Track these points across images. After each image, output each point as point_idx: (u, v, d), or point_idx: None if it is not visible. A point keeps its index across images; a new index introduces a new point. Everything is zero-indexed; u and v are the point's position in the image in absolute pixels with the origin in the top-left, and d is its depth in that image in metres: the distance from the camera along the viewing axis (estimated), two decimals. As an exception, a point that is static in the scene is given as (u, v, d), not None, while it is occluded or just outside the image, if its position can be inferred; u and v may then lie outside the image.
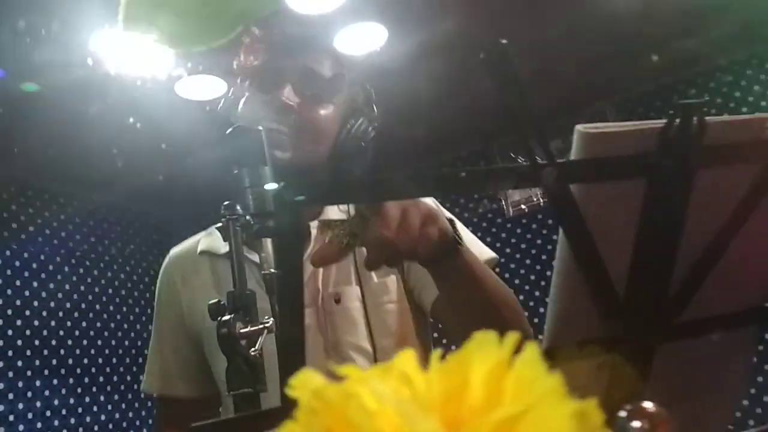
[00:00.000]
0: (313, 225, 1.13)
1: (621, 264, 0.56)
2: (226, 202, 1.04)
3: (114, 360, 3.24)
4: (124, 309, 3.37)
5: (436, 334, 1.22)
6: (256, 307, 1.00)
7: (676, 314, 0.59)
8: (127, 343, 3.32)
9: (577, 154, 0.52)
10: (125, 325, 3.34)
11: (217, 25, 0.36)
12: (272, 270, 0.97)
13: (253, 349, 0.95)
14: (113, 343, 3.26)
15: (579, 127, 0.51)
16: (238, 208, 1.05)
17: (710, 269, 0.59)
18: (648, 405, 0.30)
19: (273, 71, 1.05)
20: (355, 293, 1.08)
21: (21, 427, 2.80)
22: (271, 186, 1.16)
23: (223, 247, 1.14)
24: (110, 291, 3.32)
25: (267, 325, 0.95)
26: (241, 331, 0.94)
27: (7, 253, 2.94)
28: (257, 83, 1.06)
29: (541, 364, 0.22)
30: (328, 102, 1.08)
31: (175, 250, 1.19)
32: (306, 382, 0.21)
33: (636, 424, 0.29)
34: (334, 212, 1.15)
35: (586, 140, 0.51)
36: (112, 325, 3.28)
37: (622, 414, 0.29)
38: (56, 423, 2.92)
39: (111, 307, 3.30)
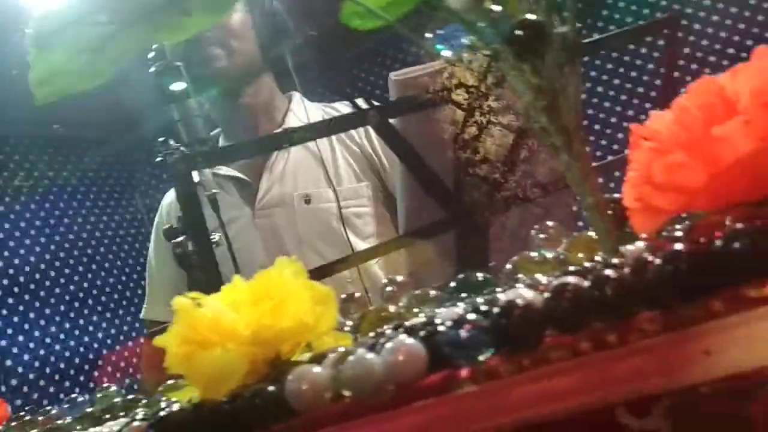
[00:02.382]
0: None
1: (448, 165, 0.76)
2: (160, 138, 1.21)
3: (98, 282, 3.47)
4: (98, 235, 3.56)
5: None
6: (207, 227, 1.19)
7: (497, 194, 0.80)
8: (107, 265, 3.54)
9: (392, 96, 0.70)
10: (102, 249, 3.55)
11: (99, 73, 0.53)
12: (214, 191, 1.15)
13: (204, 262, 1.15)
14: (94, 267, 3.48)
15: (391, 75, 0.70)
16: (172, 141, 1.21)
17: (517, 162, 0.80)
18: (399, 277, 0.51)
19: None
20: (325, 195, 1.22)
21: (26, 357, 3.06)
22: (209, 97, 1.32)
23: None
24: (80, 221, 3.49)
25: (215, 240, 1.15)
26: (191, 249, 1.15)
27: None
28: None
29: (300, 274, 0.42)
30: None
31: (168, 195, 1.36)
32: (178, 303, 0.42)
33: (388, 288, 0.50)
34: (296, 123, 1.28)
35: (396, 85, 0.70)
36: (89, 251, 3.49)
37: (385, 281, 0.51)
38: (57, 347, 3.19)
39: (84, 235, 3.49)
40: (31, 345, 3.07)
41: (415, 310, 0.48)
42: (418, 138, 0.72)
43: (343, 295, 0.51)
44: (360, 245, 1.20)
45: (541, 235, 0.46)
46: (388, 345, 0.33)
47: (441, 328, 0.32)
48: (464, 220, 0.79)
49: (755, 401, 0.23)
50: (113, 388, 0.61)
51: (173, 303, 0.42)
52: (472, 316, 0.32)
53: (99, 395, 0.60)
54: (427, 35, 0.38)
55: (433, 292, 0.49)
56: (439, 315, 0.36)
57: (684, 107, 0.33)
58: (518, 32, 0.35)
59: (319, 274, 0.60)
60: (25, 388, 3.00)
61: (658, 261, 0.28)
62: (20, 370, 3.01)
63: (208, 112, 1.37)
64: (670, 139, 0.32)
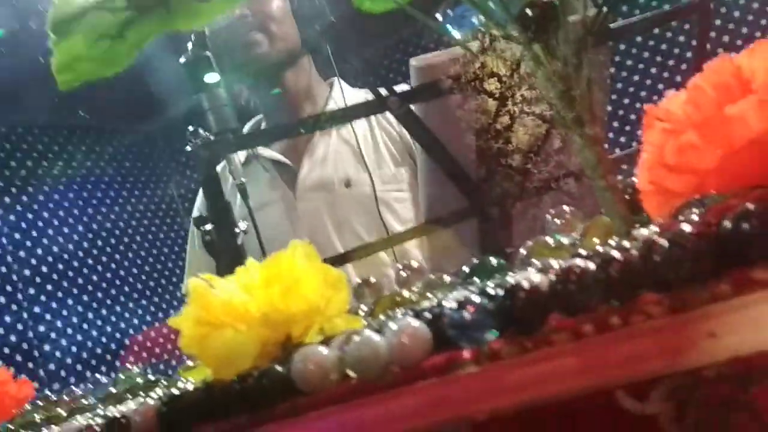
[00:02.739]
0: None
1: (470, 150, 0.76)
2: (189, 128, 1.22)
3: (134, 269, 3.53)
4: (134, 224, 3.63)
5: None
6: (232, 215, 1.20)
7: (522, 181, 0.79)
8: (142, 252, 3.61)
9: (414, 82, 0.70)
10: (137, 237, 3.62)
11: (118, 59, 0.54)
12: (242, 179, 1.16)
13: (233, 249, 1.16)
14: (130, 254, 3.54)
15: (412, 61, 0.69)
16: (201, 131, 1.23)
17: (548, 151, 0.79)
18: (414, 263, 0.51)
19: None
20: (366, 180, 1.22)
21: (64, 342, 3.14)
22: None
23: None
24: (117, 209, 3.56)
25: (243, 228, 1.16)
26: (220, 236, 1.15)
27: (13, 190, 3.17)
28: None
29: (310, 257, 0.43)
30: None
31: None
32: (192, 284, 0.42)
33: (402, 273, 0.50)
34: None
35: (417, 71, 0.69)
36: (126, 239, 3.56)
37: (399, 266, 0.51)
38: (95, 333, 3.26)
39: (121, 223, 3.55)
40: (69, 331, 3.14)
41: (429, 294, 0.48)
42: (440, 124, 0.72)
43: (358, 280, 0.51)
44: (399, 230, 1.19)
45: (557, 221, 0.45)
46: (393, 327, 0.33)
47: (446, 311, 0.32)
48: (486, 207, 0.78)
49: (759, 386, 0.23)
50: (136, 369, 0.62)
51: (188, 285, 0.42)
52: (476, 299, 0.32)
53: (121, 376, 0.61)
54: (438, 16, 0.38)
55: (447, 278, 0.48)
56: (447, 298, 0.35)
57: (698, 86, 0.32)
58: (528, 12, 0.34)
59: (336, 261, 0.60)
60: (63, 373, 3.08)
61: (664, 242, 0.27)
62: (58, 355, 3.08)
63: (248, 99, 1.39)
64: (683, 120, 0.32)
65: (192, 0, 0.51)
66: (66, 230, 3.30)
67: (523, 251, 0.45)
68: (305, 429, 0.34)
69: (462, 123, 0.73)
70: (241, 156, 1.33)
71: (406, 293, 0.49)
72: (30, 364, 3.00)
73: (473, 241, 0.81)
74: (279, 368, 0.36)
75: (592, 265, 0.29)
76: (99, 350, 3.22)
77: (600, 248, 0.32)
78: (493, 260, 0.45)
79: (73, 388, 0.66)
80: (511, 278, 0.32)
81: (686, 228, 0.27)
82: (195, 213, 1.41)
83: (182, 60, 1.20)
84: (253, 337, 0.39)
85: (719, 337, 0.24)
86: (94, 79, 0.55)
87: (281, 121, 1.30)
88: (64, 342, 3.12)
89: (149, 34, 0.53)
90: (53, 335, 3.09)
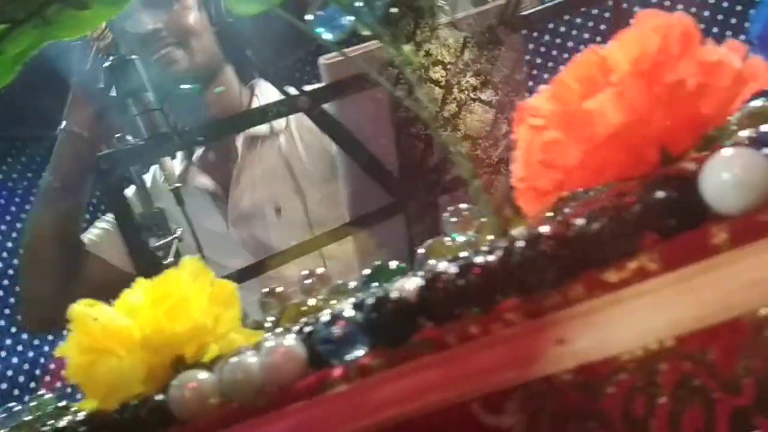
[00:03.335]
0: (239, 141, 1.22)
1: (389, 147, 0.75)
2: (116, 135, 1.18)
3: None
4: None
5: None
6: (167, 222, 1.16)
7: (441, 176, 0.78)
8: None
9: (325, 81, 0.68)
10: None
11: (2, 72, 0.51)
12: (177, 184, 1.13)
13: (167, 258, 1.13)
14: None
15: (321, 59, 0.68)
16: (129, 137, 1.18)
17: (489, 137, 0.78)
18: (320, 270, 0.50)
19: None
20: (296, 205, 1.17)
21: (15, 360, 3.05)
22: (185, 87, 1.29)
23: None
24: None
25: (177, 235, 1.13)
26: (155, 244, 1.12)
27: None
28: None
29: (201, 274, 0.41)
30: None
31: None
32: (74, 309, 0.40)
33: (308, 281, 0.49)
34: (261, 128, 1.21)
35: (327, 69, 0.68)
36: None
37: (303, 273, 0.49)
38: (46, 349, 3.18)
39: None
40: (20, 348, 3.05)
41: (333, 302, 0.46)
42: (356, 120, 0.71)
43: (265, 289, 0.50)
44: (336, 250, 1.16)
45: (453, 219, 0.45)
46: (267, 346, 0.31)
47: (317, 326, 0.31)
48: (410, 201, 0.78)
49: (608, 394, 0.22)
50: (48, 395, 0.60)
51: (72, 309, 0.41)
52: (348, 312, 0.30)
53: (32, 404, 0.58)
54: (307, 17, 0.37)
55: (352, 283, 0.47)
56: (323, 312, 0.34)
57: (561, 80, 0.31)
58: (392, 10, 0.33)
59: (249, 273, 0.59)
60: (16, 392, 2.99)
61: (521, 245, 0.26)
62: (9, 374, 2.99)
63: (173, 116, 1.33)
64: (548, 115, 0.31)
65: (69, 8, 0.49)
66: (9, 245, 3.19)
67: (422, 251, 0.44)
68: (184, 458, 0.32)
69: (378, 116, 0.72)
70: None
71: (312, 301, 0.47)
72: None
73: (402, 238, 0.80)
74: (157, 396, 0.34)
75: (454, 270, 0.28)
76: (53, 367, 3.13)
77: (466, 252, 0.31)
78: (393, 263, 0.44)
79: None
80: (381, 288, 0.31)
81: (542, 229, 0.26)
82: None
83: (106, 65, 1.16)
84: (137, 362, 0.38)
85: (568, 343, 0.23)
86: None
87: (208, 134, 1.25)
88: (15, 360, 3.03)
89: (30, 46, 0.51)
90: (3, 354, 3.00)
